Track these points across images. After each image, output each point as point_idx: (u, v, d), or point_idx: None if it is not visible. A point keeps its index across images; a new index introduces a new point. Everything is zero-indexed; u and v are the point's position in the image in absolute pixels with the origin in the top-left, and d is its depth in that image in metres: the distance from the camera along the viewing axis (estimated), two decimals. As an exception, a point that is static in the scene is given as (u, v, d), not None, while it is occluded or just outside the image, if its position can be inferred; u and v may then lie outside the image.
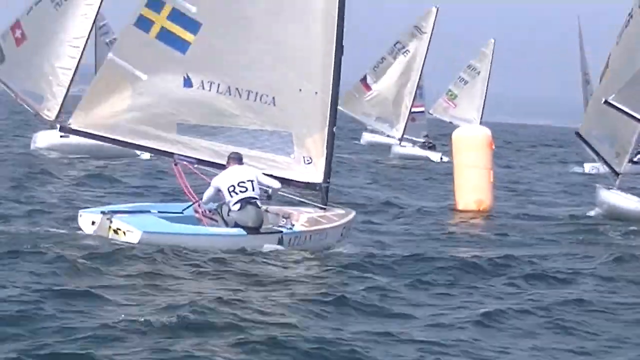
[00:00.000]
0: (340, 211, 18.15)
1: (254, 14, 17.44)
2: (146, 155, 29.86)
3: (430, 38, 52.70)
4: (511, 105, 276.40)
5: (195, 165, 17.43)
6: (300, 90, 17.71)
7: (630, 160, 28.37)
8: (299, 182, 17.86)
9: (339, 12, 17.49)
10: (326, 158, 17.94)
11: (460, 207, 25.10)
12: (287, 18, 17.56)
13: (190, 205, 16.44)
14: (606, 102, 24.02)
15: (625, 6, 27.09)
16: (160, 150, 17.53)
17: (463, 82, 61.83)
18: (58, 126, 17.84)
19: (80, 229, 15.55)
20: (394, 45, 52.71)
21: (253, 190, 16.04)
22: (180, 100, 17.38)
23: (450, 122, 58.70)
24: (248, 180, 16.08)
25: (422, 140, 53.44)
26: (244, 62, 17.52)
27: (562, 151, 71.13)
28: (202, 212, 16.34)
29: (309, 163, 17.89)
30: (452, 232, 21.59)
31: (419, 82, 52.19)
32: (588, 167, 44.31)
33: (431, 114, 60.84)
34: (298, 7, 17.58)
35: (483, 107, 60.83)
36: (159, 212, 16.08)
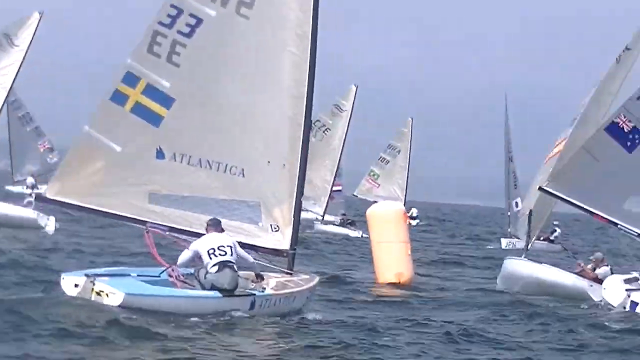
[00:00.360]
0: (305, 276, 18.92)
1: (224, 89, 18.29)
2: (51, 227, 30.14)
3: (350, 116, 53.95)
4: (440, 185, 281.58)
5: (168, 233, 18.10)
6: (268, 162, 18.56)
7: (547, 239, 29.73)
8: (266, 248, 18.61)
9: (307, 90, 18.42)
10: (293, 226, 18.74)
11: (380, 281, 25.46)
12: (257, 95, 18.44)
13: (165, 270, 17.01)
14: (540, 188, 25.14)
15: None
16: (133, 219, 18.17)
17: (384, 162, 62.97)
18: (34, 196, 18.32)
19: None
20: (314, 123, 53.96)
21: (231, 255, 16.67)
22: (153, 171, 18.09)
23: (375, 202, 60.14)
24: (227, 246, 16.73)
25: (340, 218, 54.74)
26: (214, 136, 18.32)
27: (484, 230, 72.05)
28: (176, 276, 16.90)
29: (276, 231, 18.67)
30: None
31: (339, 161, 53.33)
32: (505, 243, 46.19)
33: (356, 196, 62.13)
34: (268, 86, 18.47)
35: (406, 186, 61.72)
36: (137, 275, 16.58)
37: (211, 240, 16.83)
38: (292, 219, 18.72)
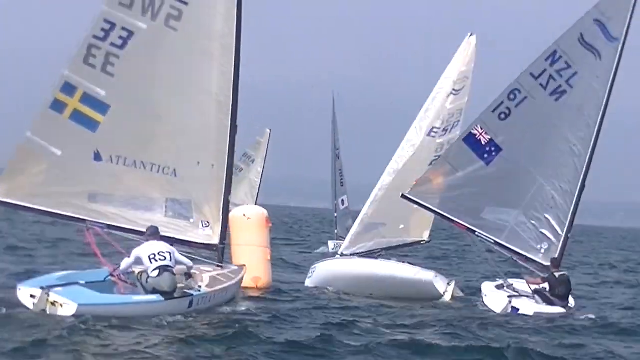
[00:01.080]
0: (234, 267, 20.48)
1: (155, 96, 19.79)
2: None
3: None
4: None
5: (106, 230, 19.56)
6: (198, 163, 20.15)
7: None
8: (198, 243, 20.15)
9: (233, 95, 20.03)
10: (222, 222, 20.32)
11: None
12: (185, 102, 19.99)
13: (109, 274, 18.37)
14: (403, 195, 25.78)
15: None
16: (74, 217, 19.59)
17: (238, 170, 63.83)
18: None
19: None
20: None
21: (170, 260, 18.04)
22: (92, 173, 19.52)
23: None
24: (167, 252, 18.13)
25: None
26: (147, 139, 19.83)
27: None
28: (118, 276, 18.30)
29: (206, 226, 20.24)
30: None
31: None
32: (332, 245, 46.61)
33: None
34: (195, 93, 20.05)
35: (258, 191, 61.77)
36: (86, 282, 17.71)
37: (152, 247, 18.18)
38: (221, 215, 20.31)
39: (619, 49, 25.44)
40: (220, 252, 20.39)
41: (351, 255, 27.37)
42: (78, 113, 19.35)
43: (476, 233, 25.38)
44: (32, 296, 16.75)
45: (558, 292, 23.76)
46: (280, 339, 16.34)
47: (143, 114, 19.79)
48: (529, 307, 23.45)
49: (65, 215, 19.60)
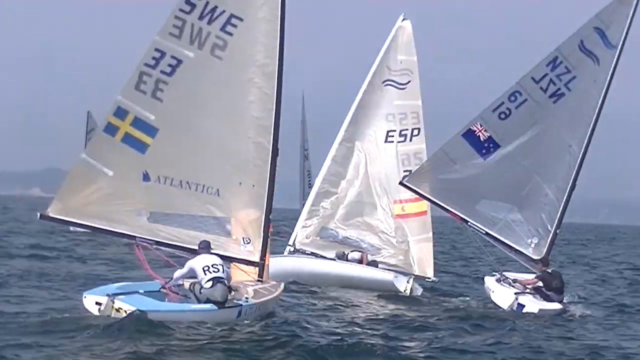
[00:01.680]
0: (273, 282, 21.70)
1: (201, 120, 21.05)
2: None
3: None
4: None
5: (154, 246, 20.83)
6: (240, 183, 21.39)
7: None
8: (240, 259, 21.36)
9: (274, 119, 21.28)
10: (262, 240, 21.54)
11: None
12: (229, 125, 21.25)
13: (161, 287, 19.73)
14: (401, 182, 27.96)
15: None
16: (124, 234, 20.86)
17: None
18: (39, 214, 20.85)
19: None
20: None
21: (223, 272, 19.43)
22: (140, 192, 20.80)
23: None
24: (220, 264, 19.53)
25: None
26: (192, 161, 21.08)
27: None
28: (169, 288, 19.66)
29: (247, 243, 21.46)
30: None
31: None
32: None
33: None
34: (238, 117, 21.30)
35: None
36: (144, 291, 19.19)
37: (205, 259, 19.57)
38: (262, 233, 21.53)
39: (616, 55, 27.01)
40: (260, 268, 21.58)
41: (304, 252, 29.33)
42: (129, 136, 20.62)
43: (469, 223, 26.94)
44: (97, 303, 18.18)
45: (554, 285, 25.32)
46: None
47: (189, 137, 21.02)
48: (534, 304, 24.84)
49: (116, 232, 20.86)
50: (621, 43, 27.05)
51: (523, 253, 27.21)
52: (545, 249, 27.15)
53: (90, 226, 20.69)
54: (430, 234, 30.20)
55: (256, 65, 21.26)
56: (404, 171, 29.94)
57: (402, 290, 28.11)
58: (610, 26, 26.94)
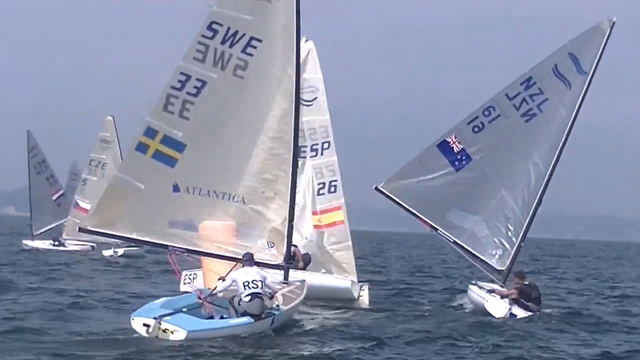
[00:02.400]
0: (297, 283, 23.41)
1: (225, 135, 22.71)
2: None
3: (119, 143, 55.88)
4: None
5: (186, 255, 22.66)
6: (263, 192, 23.06)
7: None
8: (266, 264, 23.00)
9: (294, 132, 22.84)
10: (286, 244, 23.21)
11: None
12: (251, 139, 22.87)
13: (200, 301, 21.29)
14: (376, 188, 29.02)
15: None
16: (158, 243, 22.70)
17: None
18: (78, 227, 22.72)
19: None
20: (89, 163, 56.68)
21: (261, 288, 20.98)
22: (171, 203, 22.58)
23: None
24: (259, 280, 21.04)
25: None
26: (218, 172, 22.79)
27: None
28: (204, 299, 21.25)
29: (272, 247, 23.18)
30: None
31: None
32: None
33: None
34: (259, 132, 22.89)
35: None
36: (186, 307, 20.68)
37: (246, 274, 21.10)
38: (285, 237, 23.22)
39: (587, 81, 28.37)
40: (286, 271, 23.29)
41: None
42: (159, 152, 22.37)
43: (438, 231, 28.43)
44: (145, 325, 19.59)
45: (533, 296, 26.78)
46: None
47: (213, 151, 22.69)
48: (525, 313, 26.26)
49: (150, 242, 22.71)
50: (592, 70, 28.38)
51: (487, 263, 28.67)
52: (509, 261, 28.65)
53: (125, 237, 22.54)
54: (350, 242, 30.78)
55: (275, 83, 22.78)
56: (319, 184, 30.98)
57: (356, 298, 28.98)
58: (583, 53, 28.30)
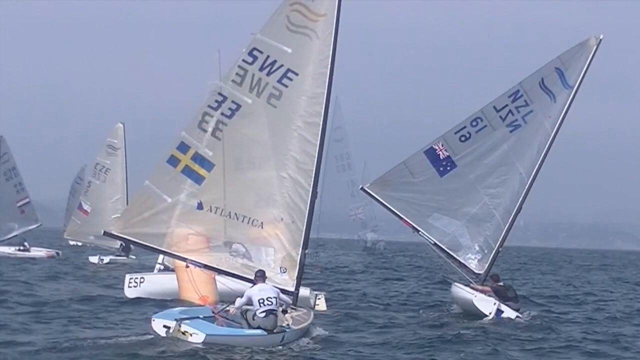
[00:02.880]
0: (304, 310, 24.09)
1: (252, 159, 23.64)
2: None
3: (125, 151, 57.67)
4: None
5: (202, 269, 23.37)
6: (282, 219, 23.87)
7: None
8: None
9: (316, 164, 23.75)
10: (298, 271, 23.96)
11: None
12: (275, 167, 23.74)
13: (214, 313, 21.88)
14: (362, 188, 30.77)
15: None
16: (177, 255, 23.42)
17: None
18: (102, 231, 23.45)
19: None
20: (94, 167, 57.98)
21: (275, 304, 21.69)
22: (193, 219, 23.36)
23: None
24: (274, 297, 21.72)
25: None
26: (241, 195, 23.63)
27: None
28: (218, 312, 21.87)
29: (284, 272, 23.92)
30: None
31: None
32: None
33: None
34: (284, 160, 23.78)
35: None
36: (204, 317, 21.35)
37: (262, 291, 21.71)
38: (297, 265, 23.97)
39: (572, 95, 30.06)
40: (295, 297, 23.98)
41: None
42: (188, 168, 23.26)
43: (420, 232, 29.84)
44: (165, 326, 20.39)
45: (510, 295, 28.02)
46: None
47: (240, 174, 23.59)
48: (512, 311, 27.67)
49: (169, 252, 23.44)
50: (577, 84, 30.14)
51: (466, 266, 29.97)
52: (487, 265, 29.93)
53: (146, 245, 23.25)
54: None
55: (303, 115, 23.75)
56: None
57: (313, 305, 29.71)
58: (569, 68, 30.04)
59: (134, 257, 55.85)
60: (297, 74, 23.65)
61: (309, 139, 23.87)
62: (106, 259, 55.42)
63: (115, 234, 23.17)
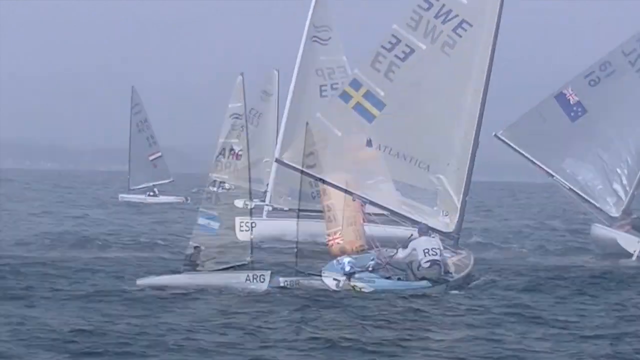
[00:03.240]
0: (464, 253, 24.40)
1: (423, 104, 24.31)
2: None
3: (278, 97, 57.58)
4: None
5: (366, 204, 24.12)
6: (448, 164, 24.44)
7: None
8: (439, 230, 24.08)
9: (479, 111, 24.30)
10: (459, 215, 24.38)
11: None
12: (445, 112, 24.43)
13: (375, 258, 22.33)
14: (495, 135, 30.48)
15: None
16: (340, 187, 24.19)
17: None
18: (275, 158, 24.52)
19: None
20: (249, 112, 57.46)
21: (440, 255, 22.10)
22: (362, 155, 24.22)
23: None
24: (438, 248, 22.15)
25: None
26: (411, 137, 24.31)
27: None
28: (383, 258, 22.25)
29: (446, 215, 24.38)
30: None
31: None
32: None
33: None
34: (453, 106, 24.44)
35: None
36: (372, 269, 21.79)
37: (427, 242, 22.15)
38: (459, 208, 24.39)
39: None
40: (456, 241, 24.35)
41: None
42: (360, 106, 24.15)
43: (554, 177, 29.24)
44: (335, 279, 21.37)
45: None
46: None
47: (410, 116, 24.28)
48: None
49: (334, 184, 24.25)
50: None
51: (602, 210, 29.85)
52: (623, 208, 29.67)
53: (313, 175, 24.17)
54: None
55: (474, 64, 24.41)
56: None
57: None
58: None
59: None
60: (471, 25, 24.35)
61: (476, 87, 24.42)
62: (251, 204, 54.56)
63: (286, 162, 24.23)
